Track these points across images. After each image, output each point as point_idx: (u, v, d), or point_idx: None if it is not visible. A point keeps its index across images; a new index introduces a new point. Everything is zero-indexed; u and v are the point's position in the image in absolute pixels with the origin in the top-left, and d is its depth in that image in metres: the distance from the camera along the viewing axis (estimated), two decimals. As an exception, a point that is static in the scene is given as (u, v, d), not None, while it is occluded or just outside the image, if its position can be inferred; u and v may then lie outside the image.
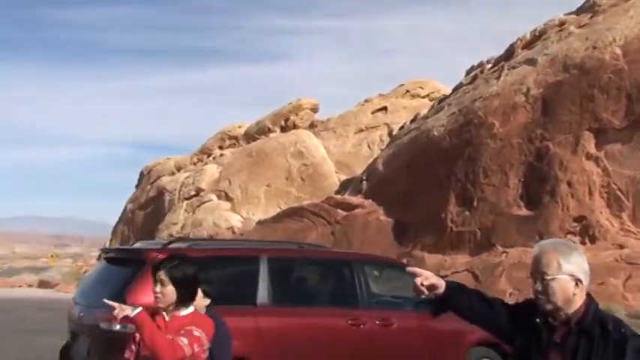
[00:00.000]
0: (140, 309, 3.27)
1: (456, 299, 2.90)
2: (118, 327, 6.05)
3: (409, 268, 3.02)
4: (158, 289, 3.46)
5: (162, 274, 3.46)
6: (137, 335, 3.48)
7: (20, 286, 33.75)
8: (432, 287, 2.86)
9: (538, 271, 2.69)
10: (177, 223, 34.30)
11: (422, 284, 2.84)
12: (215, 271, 5.83)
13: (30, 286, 34.01)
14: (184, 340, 3.29)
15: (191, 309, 3.52)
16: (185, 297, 3.49)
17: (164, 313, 3.47)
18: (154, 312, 3.49)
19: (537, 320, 2.73)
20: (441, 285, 2.87)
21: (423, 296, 2.89)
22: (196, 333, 3.36)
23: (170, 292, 3.44)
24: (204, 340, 3.40)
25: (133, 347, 3.57)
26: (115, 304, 3.30)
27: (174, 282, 3.44)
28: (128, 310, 3.25)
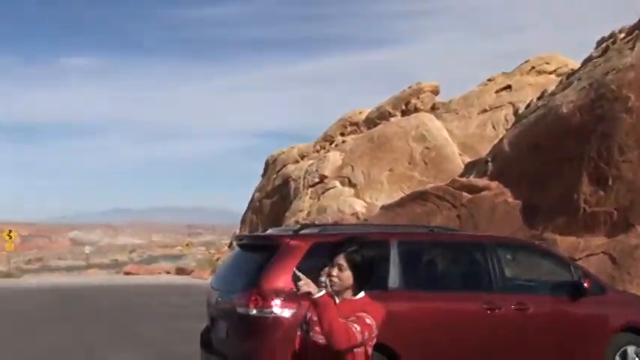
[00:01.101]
0: (324, 291, 3.26)
1: None
2: (254, 312, 6.24)
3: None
4: (335, 272, 3.43)
5: (340, 259, 3.44)
6: (308, 319, 3.53)
7: (159, 273, 35.70)
8: None
9: None
10: (302, 210, 34.89)
11: None
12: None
13: (168, 272, 35.88)
14: (356, 327, 3.25)
15: (362, 294, 3.49)
16: (360, 282, 3.47)
17: (335, 296, 3.43)
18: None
19: None
20: None
21: None
22: (368, 320, 3.31)
23: (347, 276, 3.42)
24: (374, 328, 3.35)
25: (299, 332, 3.61)
26: (303, 277, 3.28)
27: (353, 266, 3.42)
28: (313, 289, 3.24)
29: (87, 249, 79.22)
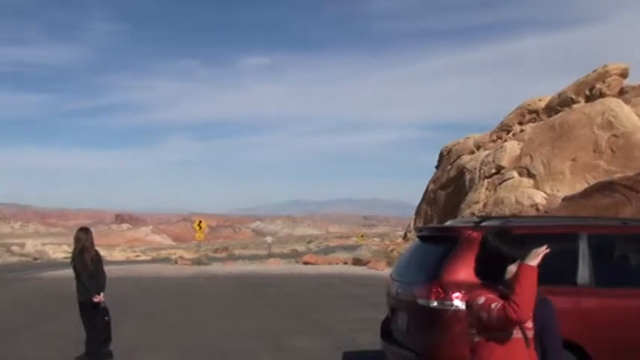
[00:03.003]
0: (535, 262, 3.48)
1: None
2: (435, 304, 6.20)
3: None
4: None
5: None
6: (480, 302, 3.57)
7: (336, 263, 36.58)
8: None
9: None
10: (478, 201, 34.14)
11: None
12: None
13: (345, 263, 36.65)
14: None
15: None
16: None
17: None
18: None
19: None
20: None
21: None
22: None
23: None
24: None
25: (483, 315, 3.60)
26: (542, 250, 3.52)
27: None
28: (534, 260, 3.47)
29: (268, 239, 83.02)
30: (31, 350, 10.45)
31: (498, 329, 3.49)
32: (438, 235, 7.37)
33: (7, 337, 11.74)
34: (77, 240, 9.41)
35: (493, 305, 3.44)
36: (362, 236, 67.95)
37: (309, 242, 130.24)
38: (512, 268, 3.60)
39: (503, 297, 3.48)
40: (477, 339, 3.61)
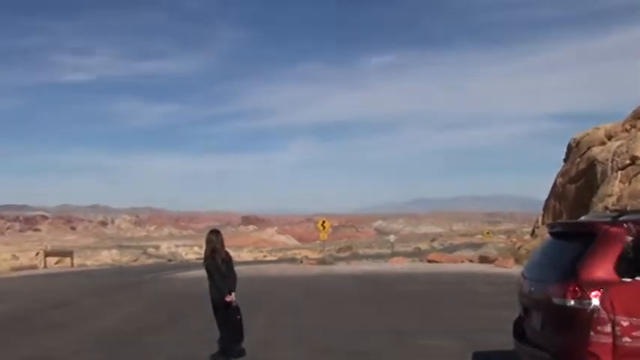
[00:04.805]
0: None
1: None
2: (571, 303, 5.94)
3: None
4: None
5: None
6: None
7: (462, 262, 35.96)
8: None
9: None
10: (611, 194, 32.38)
11: None
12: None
13: (470, 261, 35.96)
14: None
15: None
16: None
17: None
18: None
19: None
20: None
21: None
22: None
23: None
24: None
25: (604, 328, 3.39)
26: None
27: None
28: None
29: (391, 238, 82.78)
30: (173, 347, 11.01)
31: None
32: (573, 231, 7.05)
33: (150, 333, 12.47)
34: (208, 242, 9.78)
35: None
36: (488, 233, 66.47)
37: (432, 240, 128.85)
38: None
39: None
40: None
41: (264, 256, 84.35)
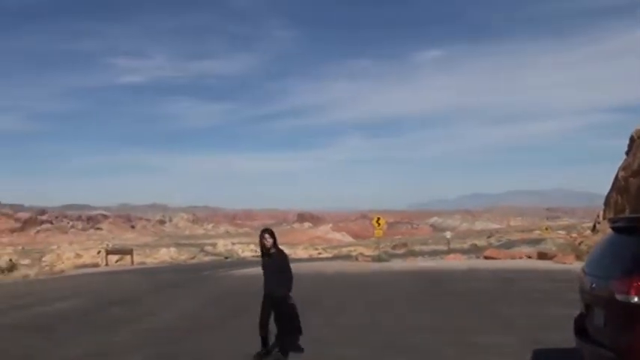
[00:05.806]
0: None
1: None
2: (636, 299, 5.77)
3: None
4: None
5: None
6: None
7: (520, 258, 35.32)
8: None
9: None
10: (677, 188, 31.34)
11: None
12: None
13: (529, 257, 35.28)
14: None
15: None
16: None
17: None
18: None
19: None
20: None
21: None
22: None
23: None
24: None
25: None
26: None
27: None
28: None
29: (447, 234, 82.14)
30: (230, 343, 11.16)
31: None
32: (636, 226, 6.85)
33: (208, 329, 12.66)
34: (261, 240, 9.88)
35: None
36: (546, 229, 65.24)
37: (489, 237, 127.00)
38: None
39: None
40: None
41: (319, 254, 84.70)
